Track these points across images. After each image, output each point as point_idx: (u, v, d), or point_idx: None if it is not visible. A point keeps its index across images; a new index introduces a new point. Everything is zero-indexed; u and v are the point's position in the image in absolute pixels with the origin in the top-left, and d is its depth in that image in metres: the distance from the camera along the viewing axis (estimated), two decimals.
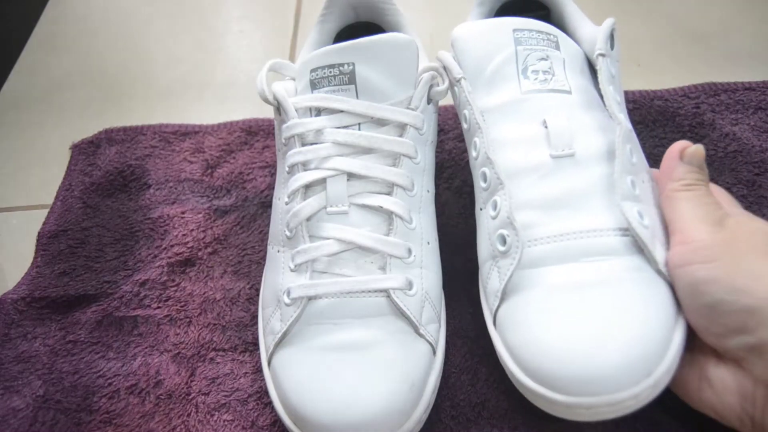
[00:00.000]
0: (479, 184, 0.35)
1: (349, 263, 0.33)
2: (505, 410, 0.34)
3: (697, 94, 0.48)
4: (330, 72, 0.34)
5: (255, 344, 0.38)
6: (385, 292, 0.33)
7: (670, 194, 0.32)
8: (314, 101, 0.35)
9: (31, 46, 0.63)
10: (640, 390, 0.27)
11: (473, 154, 0.36)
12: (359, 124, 0.35)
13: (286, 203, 0.35)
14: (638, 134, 0.36)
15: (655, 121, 0.47)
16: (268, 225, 0.40)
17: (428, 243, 0.36)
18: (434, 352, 0.34)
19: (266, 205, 0.45)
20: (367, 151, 0.35)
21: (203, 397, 0.36)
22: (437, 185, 0.44)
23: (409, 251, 0.34)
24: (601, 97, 0.35)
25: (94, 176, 0.49)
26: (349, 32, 0.44)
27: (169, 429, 0.35)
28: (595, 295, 0.29)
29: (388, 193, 0.34)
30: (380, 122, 0.35)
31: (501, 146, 0.34)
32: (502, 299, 0.32)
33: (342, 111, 0.35)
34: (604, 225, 0.30)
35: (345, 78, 0.34)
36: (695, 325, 0.29)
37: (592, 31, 0.38)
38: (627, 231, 0.30)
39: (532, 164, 0.33)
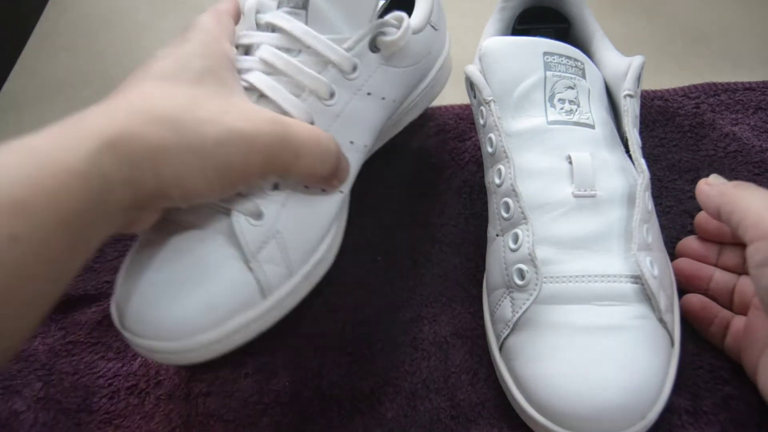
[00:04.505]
0: (500, 212, 0.35)
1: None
2: (505, 410, 0.34)
3: (697, 94, 0.48)
4: None
5: (255, 344, 0.38)
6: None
7: (728, 191, 0.31)
8: (267, 18, 0.34)
9: (31, 46, 0.63)
10: (635, 430, 0.29)
11: (496, 180, 0.36)
12: (299, 50, 0.34)
13: None
14: (639, 134, 0.36)
15: (655, 121, 0.47)
16: None
17: (307, 187, 0.34)
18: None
19: None
20: (280, 74, 0.33)
21: (203, 397, 0.36)
22: (437, 185, 0.44)
23: (276, 186, 0.33)
24: (618, 128, 0.36)
25: None
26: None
27: (169, 429, 0.35)
28: (605, 339, 0.31)
29: None
30: (315, 53, 0.34)
31: (525, 177, 0.34)
32: (513, 330, 0.33)
33: (285, 32, 0.34)
34: (619, 272, 0.32)
35: (300, 2, 0.34)
36: None
37: (616, 61, 0.38)
38: (638, 279, 0.32)
39: (554, 200, 0.33)
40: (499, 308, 0.34)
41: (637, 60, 0.36)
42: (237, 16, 0.35)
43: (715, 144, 0.45)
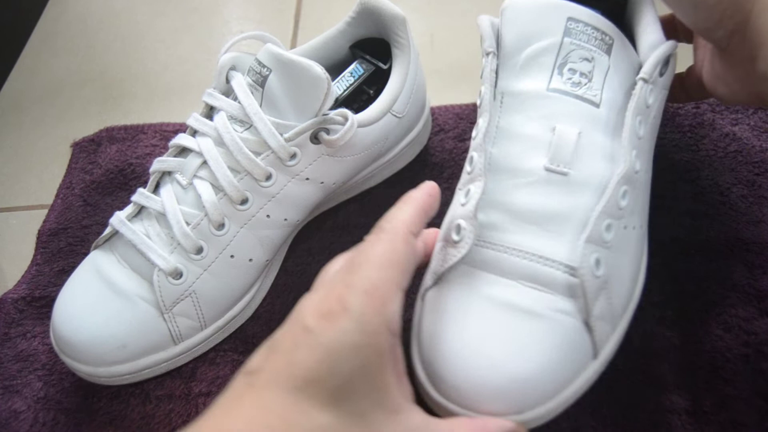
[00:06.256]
0: (465, 166, 0.33)
1: None
2: None
3: None
4: (257, 67, 0.35)
5: (255, 344, 0.38)
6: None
7: None
8: (233, 82, 0.36)
9: (31, 46, 0.63)
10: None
11: (473, 133, 0.34)
12: (250, 125, 0.35)
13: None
14: (646, 126, 0.35)
15: None
16: None
17: (231, 257, 0.36)
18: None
19: None
20: (225, 147, 0.35)
21: (203, 397, 0.36)
22: (437, 185, 0.44)
23: (200, 249, 0.35)
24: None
25: (95, 174, 0.49)
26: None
27: (169, 429, 0.35)
28: (516, 321, 0.29)
29: (216, 192, 0.35)
30: (259, 134, 0.35)
31: (504, 138, 0.33)
32: (437, 283, 0.31)
33: (241, 105, 0.35)
34: (558, 257, 0.30)
35: (260, 80, 0.35)
36: (693, 27, 0.32)
37: (654, 44, 0.35)
38: (576, 271, 0.29)
39: (523, 167, 0.31)
40: (434, 260, 0.32)
41: (665, 45, 0.34)
42: (430, 213, 0.30)
43: (715, 144, 0.44)
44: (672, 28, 0.38)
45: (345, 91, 0.41)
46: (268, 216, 0.37)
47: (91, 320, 0.35)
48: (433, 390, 0.29)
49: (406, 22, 0.40)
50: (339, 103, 0.41)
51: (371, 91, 0.42)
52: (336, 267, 0.27)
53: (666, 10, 0.37)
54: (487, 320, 0.29)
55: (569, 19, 0.33)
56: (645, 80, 0.32)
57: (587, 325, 0.29)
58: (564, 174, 0.31)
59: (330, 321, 0.23)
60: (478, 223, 0.31)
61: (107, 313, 0.35)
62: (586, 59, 0.33)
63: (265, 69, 0.35)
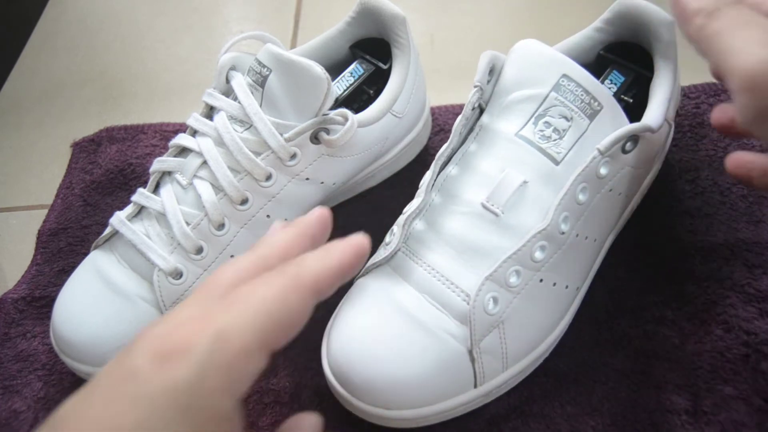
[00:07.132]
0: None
1: None
2: (505, 410, 0.34)
3: (697, 94, 0.48)
4: (257, 67, 0.36)
5: None
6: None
7: (697, 34, 0.25)
8: (233, 82, 0.36)
9: (31, 46, 0.63)
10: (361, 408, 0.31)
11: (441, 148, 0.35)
12: (250, 125, 0.35)
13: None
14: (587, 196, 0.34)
15: None
16: None
17: (232, 257, 0.36)
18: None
19: None
20: (225, 147, 0.35)
21: None
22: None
23: (201, 249, 0.35)
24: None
25: (95, 174, 0.49)
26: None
27: None
28: (407, 329, 0.31)
29: (216, 192, 0.35)
30: (259, 134, 0.35)
31: (465, 165, 0.34)
32: (363, 275, 0.35)
33: (241, 105, 0.35)
34: (462, 285, 0.32)
35: (260, 79, 0.35)
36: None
37: (650, 120, 0.34)
38: (469, 300, 0.31)
39: (465, 197, 0.33)
40: (375, 252, 0.35)
41: (630, 126, 0.33)
42: (314, 242, 0.22)
43: (715, 144, 0.44)
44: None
45: (345, 91, 0.41)
46: (268, 216, 0.37)
47: (91, 320, 0.35)
48: (326, 364, 0.33)
49: (406, 22, 0.40)
50: (339, 103, 0.41)
51: (371, 91, 0.42)
52: (228, 274, 0.21)
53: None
54: (385, 320, 0.32)
55: (563, 75, 0.34)
56: (600, 151, 0.32)
57: (471, 354, 0.31)
58: (496, 215, 0.32)
59: (165, 365, 0.18)
60: (415, 232, 0.34)
61: (107, 313, 0.35)
62: (565, 117, 0.33)
63: (265, 69, 0.35)
